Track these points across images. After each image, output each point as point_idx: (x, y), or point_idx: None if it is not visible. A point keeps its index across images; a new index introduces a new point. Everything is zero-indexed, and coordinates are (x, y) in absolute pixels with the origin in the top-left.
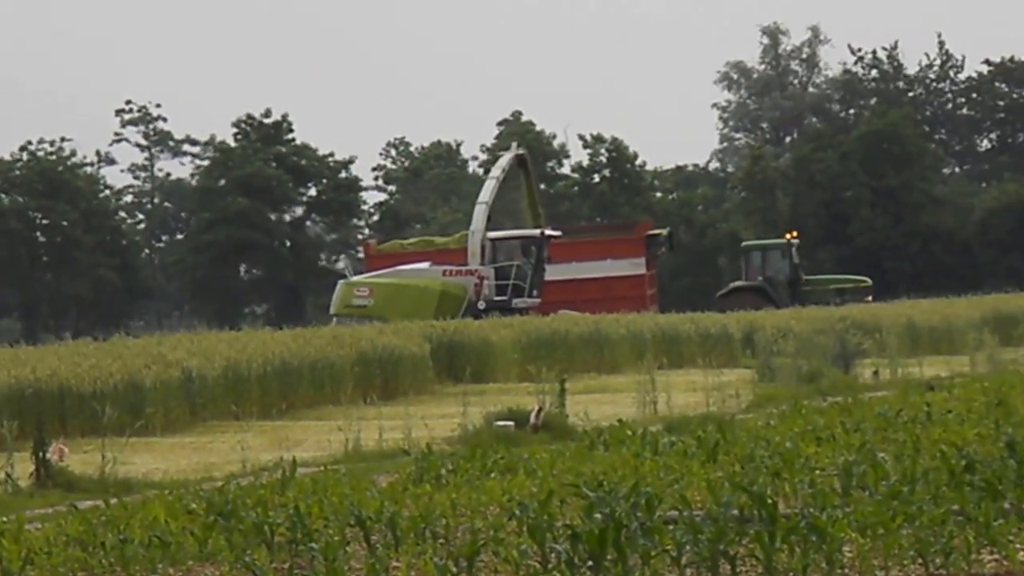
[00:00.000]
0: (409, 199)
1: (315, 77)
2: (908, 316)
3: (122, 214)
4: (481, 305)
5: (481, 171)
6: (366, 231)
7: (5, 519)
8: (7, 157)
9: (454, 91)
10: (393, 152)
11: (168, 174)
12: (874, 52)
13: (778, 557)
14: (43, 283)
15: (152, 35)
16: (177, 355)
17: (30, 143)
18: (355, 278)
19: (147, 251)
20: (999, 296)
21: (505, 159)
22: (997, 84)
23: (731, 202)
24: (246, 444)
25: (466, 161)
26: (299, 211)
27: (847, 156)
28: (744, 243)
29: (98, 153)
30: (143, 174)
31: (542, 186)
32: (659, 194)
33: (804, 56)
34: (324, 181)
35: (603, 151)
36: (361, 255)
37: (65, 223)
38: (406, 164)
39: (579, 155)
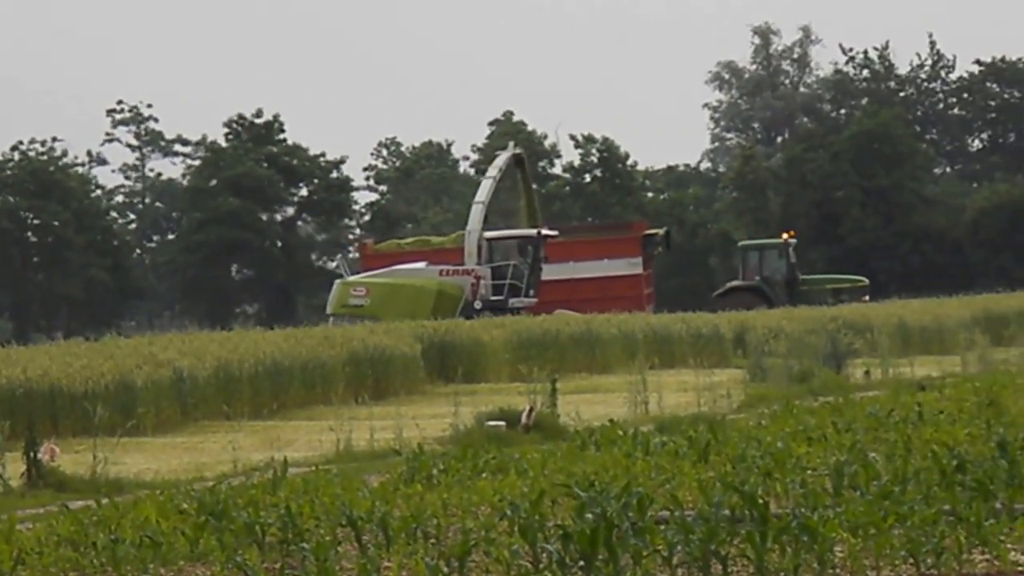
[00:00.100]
0: (400, 199)
1: (307, 77)
2: (899, 316)
3: (113, 214)
4: (478, 305)
5: (472, 171)
6: (357, 231)
7: None
8: None
9: (445, 91)
10: (384, 152)
11: (159, 174)
12: (865, 52)
13: (769, 557)
14: (34, 283)
15: (144, 36)
16: (168, 355)
17: (21, 143)
18: (351, 278)
19: (138, 251)
20: (990, 296)
21: (502, 159)
22: (988, 84)
23: (722, 202)
24: (237, 444)
25: (457, 161)
26: (290, 211)
27: (838, 156)
28: (741, 243)
29: (89, 153)
30: (134, 174)
31: (533, 186)
32: (650, 194)
33: (795, 56)
34: (315, 181)
35: (594, 151)
36: (354, 254)
37: (56, 223)
38: (397, 164)
39: (570, 155)
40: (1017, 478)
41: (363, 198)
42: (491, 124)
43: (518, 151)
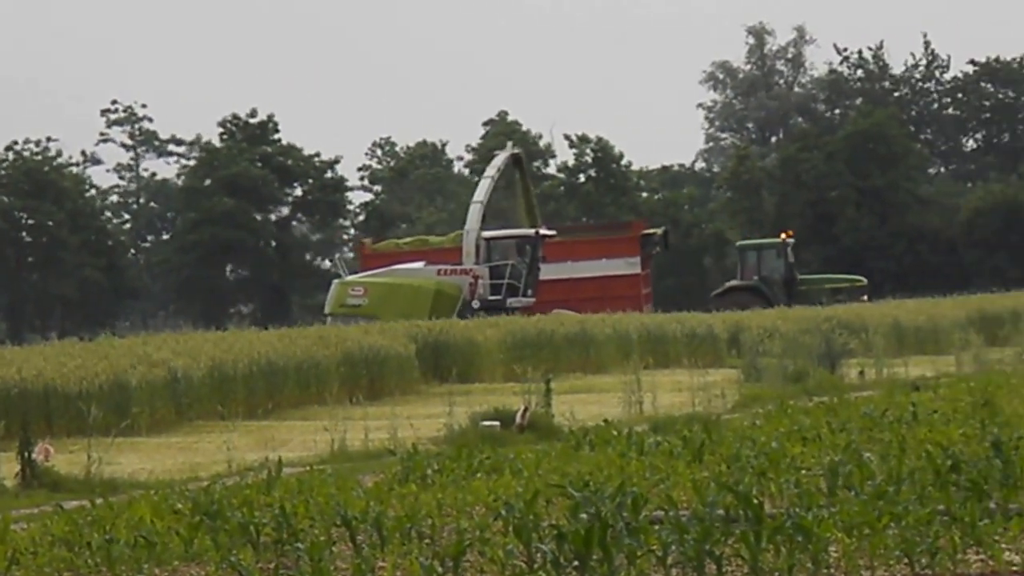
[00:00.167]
0: (395, 199)
1: (301, 77)
2: (894, 316)
3: (108, 214)
4: (476, 304)
5: (467, 171)
6: (352, 231)
7: None
8: None
9: (440, 91)
10: (379, 152)
11: (154, 174)
12: (860, 52)
13: (764, 557)
14: (29, 283)
15: (138, 36)
16: (163, 355)
17: (16, 143)
18: (350, 277)
19: (133, 251)
20: (985, 296)
21: (500, 158)
22: (983, 84)
23: (717, 202)
24: (232, 444)
25: (451, 161)
26: (285, 211)
27: (833, 156)
28: (739, 243)
29: (84, 153)
30: (129, 174)
31: (520, 186)
32: (645, 194)
33: (790, 56)
34: (310, 181)
35: (589, 151)
36: (349, 254)
37: (51, 223)
38: (392, 164)
39: (565, 155)
40: (1011, 478)
41: (357, 198)
42: (485, 124)
43: (516, 151)
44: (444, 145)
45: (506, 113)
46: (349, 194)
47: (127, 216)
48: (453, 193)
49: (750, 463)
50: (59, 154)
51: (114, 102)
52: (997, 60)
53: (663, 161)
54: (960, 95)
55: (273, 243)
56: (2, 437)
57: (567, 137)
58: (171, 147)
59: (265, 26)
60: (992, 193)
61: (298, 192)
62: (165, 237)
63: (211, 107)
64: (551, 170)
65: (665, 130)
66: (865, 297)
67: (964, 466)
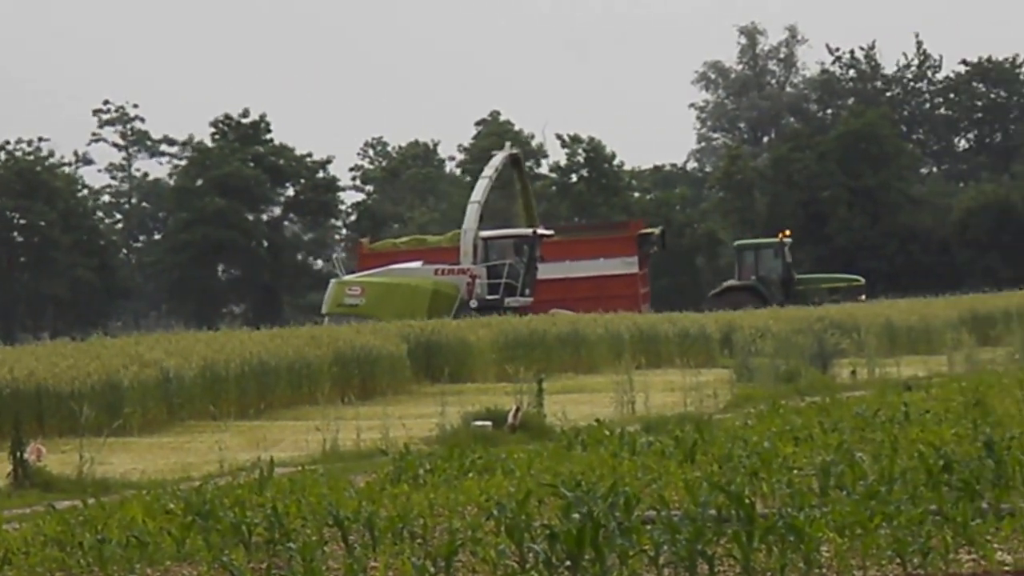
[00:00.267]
0: (387, 199)
1: (294, 78)
2: (886, 316)
3: (100, 214)
4: (473, 304)
5: (459, 171)
6: (343, 231)
7: None
8: None
9: (432, 91)
10: (371, 152)
11: (146, 174)
12: (852, 52)
13: (756, 557)
14: (21, 283)
15: (130, 36)
16: (155, 355)
17: (8, 143)
18: (347, 277)
19: (125, 251)
20: (977, 296)
21: (498, 159)
22: (975, 84)
23: (709, 202)
24: (224, 444)
25: (443, 161)
26: (277, 211)
27: (825, 156)
28: (737, 242)
29: (76, 153)
30: (121, 174)
31: (519, 186)
32: (637, 194)
33: (782, 56)
34: (302, 181)
35: (581, 151)
36: (340, 254)
37: (43, 223)
38: (383, 164)
39: (557, 155)
40: (1003, 478)
41: (349, 198)
42: (478, 124)
43: (514, 151)
44: (436, 145)
45: (498, 113)
46: (341, 194)
47: (119, 216)
48: (445, 193)
49: (742, 463)
50: (51, 154)
51: (106, 102)
52: (989, 60)
53: (655, 161)
54: (952, 95)
55: (265, 243)
56: None
57: (559, 137)
58: (163, 147)
59: (257, 26)
60: (984, 193)
61: (290, 192)
62: (157, 237)
63: (203, 107)
64: (543, 170)
65: (657, 130)
66: (863, 297)
67: (956, 466)
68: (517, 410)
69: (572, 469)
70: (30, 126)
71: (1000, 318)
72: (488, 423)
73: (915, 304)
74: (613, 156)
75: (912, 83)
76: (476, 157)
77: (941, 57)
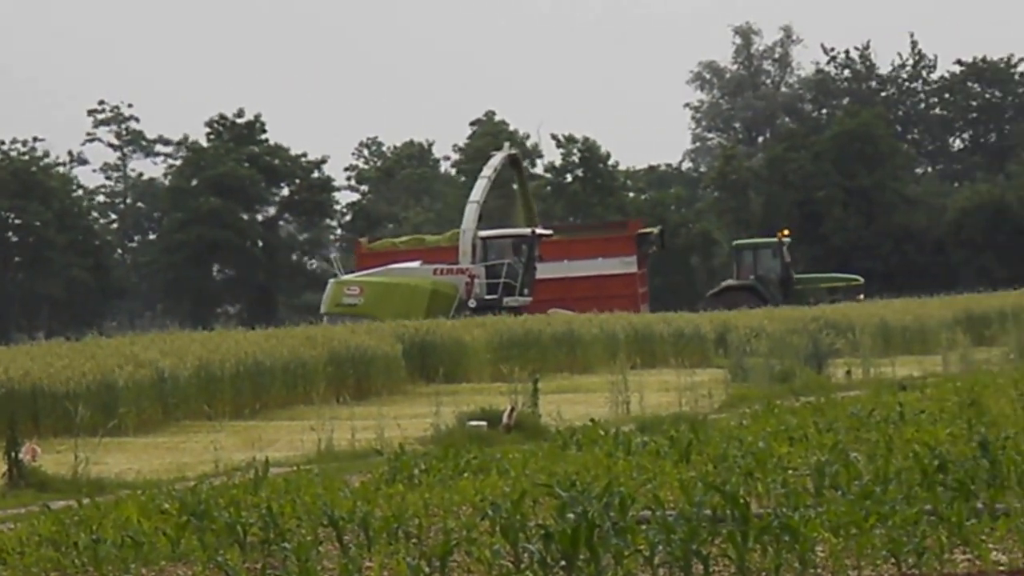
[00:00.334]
0: (381, 199)
1: (289, 78)
2: (881, 316)
3: (95, 214)
4: (472, 304)
5: (454, 171)
6: (338, 231)
7: None
8: None
9: (427, 91)
10: (366, 152)
11: (141, 174)
12: (847, 52)
13: (751, 557)
14: (15, 283)
15: (125, 35)
16: (150, 355)
17: (3, 143)
18: (345, 277)
19: (120, 251)
20: (971, 296)
21: (497, 159)
22: (969, 84)
23: (704, 202)
24: (219, 444)
25: (438, 161)
26: (272, 211)
27: (820, 156)
28: (736, 242)
29: (71, 153)
30: (116, 174)
31: (514, 186)
32: (631, 194)
33: (776, 56)
34: (297, 181)
35: (576, 151)
36: (335, 254)
37: (38, 223)
38: (378, 164)
39: (552, 155)
40: (998, 478)
41: (344, 198)
42: (473, 124)
43: (513, 151)
44: (431, 145)
45: (493, 113)
46: (336, 194)
47: (114, 216)
48: (440, 193)
49: (737, 463)
50: (46, 154)
51: (101, 102)
52: (984, 60)
53: (650, 161)
54: (947, 95)
55: (260, 243)
56: None
57: (554, 137)
58: (158, 147)
59: (251, 27)
60: (979, 193)
61: (285, 192)
62: (152, 237)
63: (198, 107)
64: (538, 170)
65: (652, 130)
66: (861, 296)
67: (951, 466)
68: (512, 410)
69: (567, 469)
70: (25, 126)
71: (995, 318)
72: (483, 423)
73: (910, 304)
74: (608, 156)
75: (907, 83)
76: (471, 157)
77: (936, 57)
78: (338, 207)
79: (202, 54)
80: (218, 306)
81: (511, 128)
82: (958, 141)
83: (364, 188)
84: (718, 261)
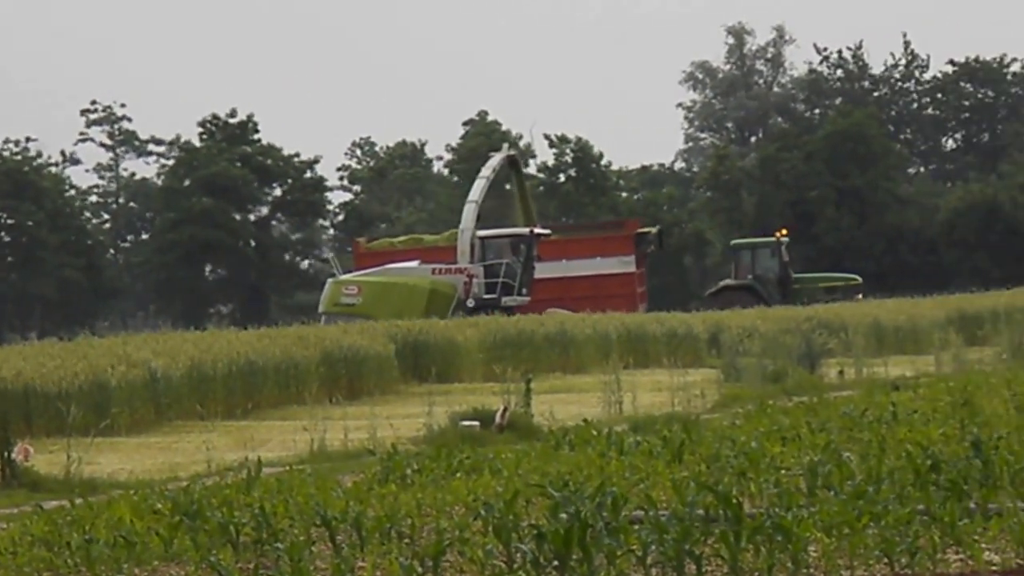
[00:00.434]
0: (374, 199)
1: (281, 78)
2: (873, 316)
3: (87, 214)
4: (470, 303)
5: (447, 171)
6: (331, 231)
7: None
8: None
9: (419, 91)
10: (358, 152)
11: (133, 174)
12: (839, 52)
13: (743, 557)
14: (8, 283)
15: (117, 35)
16: (142, 355)
17: None
18: (344, 276)
19: (112, 251)
20: (964, 296)
21: (496, 159)
22: (962, 84)
23: (696, 202)
24: (211, 444)
25: (431, 161)
26: (264, 211)
27: (812, 156)
28: (734, 241)
29: (63, 153)
30: (108, 174)
31: (507, 186)
32: (624, 194)
33: (769, 56)
34: (289, 181)
35: (568, 151)
36: (329, 254)
37: (30, 223)
38: (371, 164)
39: (545, 155)
40: (991, 478)
41: (337, 198)
42: (465, 124)
43: (512, 152)
44: (423, 145)
45: (486, 113)
46: (329, 194)
47: (106, 216)
48: (432, 193)
49: (730, 463)
50: (39, 154)
51: (93, 102)
52: (976, 60)
53: (643, 161)
54: (939, 95)
55: (252, 243)
56: None
57: (547, 137)
58: (150, 147)
59: (244, 27)
60: (971, 193)
61: (277, 192)
62: (144, 237)
63: (190, 107)
64: (531, 170)
65: (645, 130)
66: (860, 296)
67: (944, 466)
68: (505, 410)
69: (560, 469)
70: (17, 126)
71: (988, 318)
72: (476, 423)
73: (903, 304)
74: (601, 156)
75: (900, 83)
76: (464, 157)
77: (928, 57)
78: (331, 207)
79: (195, 54)
80: (211, 306)
81: (504, 128)
82: (951, 141)
83: (357, 188)
84: (710, 261)
